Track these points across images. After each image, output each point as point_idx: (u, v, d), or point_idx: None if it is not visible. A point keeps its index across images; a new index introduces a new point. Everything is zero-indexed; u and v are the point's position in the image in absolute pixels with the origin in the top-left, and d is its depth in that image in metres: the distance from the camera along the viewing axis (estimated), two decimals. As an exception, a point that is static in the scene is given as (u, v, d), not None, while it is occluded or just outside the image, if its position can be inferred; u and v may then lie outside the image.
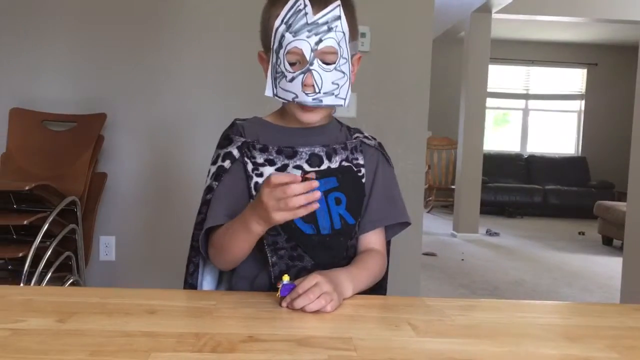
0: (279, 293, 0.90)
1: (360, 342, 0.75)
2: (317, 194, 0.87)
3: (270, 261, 1.07)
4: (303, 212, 0.89)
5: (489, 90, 6.24)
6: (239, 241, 1.01)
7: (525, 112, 9.20)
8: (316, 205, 0.89)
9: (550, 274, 4.49)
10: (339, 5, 1.00)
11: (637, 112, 2.75)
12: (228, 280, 1.20)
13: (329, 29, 1.00)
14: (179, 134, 2.87)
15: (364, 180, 1.15)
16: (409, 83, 2.92)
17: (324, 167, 1.11)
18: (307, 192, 0.86)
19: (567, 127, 9.22)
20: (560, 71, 9.03)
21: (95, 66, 2.82)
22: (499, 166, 8.40)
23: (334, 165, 1.12)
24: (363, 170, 1.15)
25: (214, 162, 1.13)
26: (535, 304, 1.10)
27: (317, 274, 0.93)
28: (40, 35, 2.80)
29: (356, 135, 1.20)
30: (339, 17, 1.00)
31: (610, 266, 4.76)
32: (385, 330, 0.82)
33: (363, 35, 2.84)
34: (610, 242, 5.91)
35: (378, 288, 1.16)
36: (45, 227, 2.18)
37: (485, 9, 5.94)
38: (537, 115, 9.19)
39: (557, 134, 9.20)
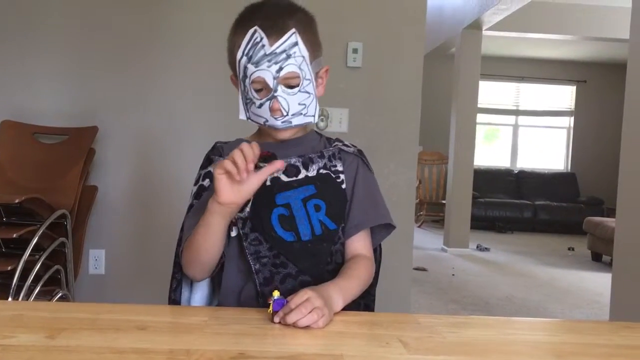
0: (270, 309, 0.90)
1: (351, 359, 0.75)
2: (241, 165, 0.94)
3: (253, 269, 1.08)
4: (233, 169, 0.94)
5: (479, 106, 6.30)
6: (200, 228, 1.03)
7: (515, 127, 9.27)
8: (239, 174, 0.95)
9: (540, 290, 4.50)
10: (295, 32, 1.03)
11: (626, 129, 2.78)
12: (217, 297, 1.20)
13: (288, 56, 1.03)
14: (170, 148, 2.87)
15: (343, 187, 1.16)
16: (401, 98, 2.95)
17: (301, 176, 1.13)
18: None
19: (557, 143, 9.30)
20: (550, 88, 9.12)
21: (87, 79, 2.83)
22: (490, 181, 8.44)
23: (312, 173, 1.14)
24: (342, 176, 1.17)
25: (195, 183, 1.17)
26: (526, 321, 1.11)
27: (308, 289, 0.94)
28: (32, 48, 2.80)
29: (335, 143, 1.22)
30: (296, 44, 1.04)
31: (600, 282, 4.79)
32: (376, 347, 0.82)
33: (355, 51, 2.86)
34: (600, 257, 5.93)
35: (366, 294, 1.16)
36: (35, 240, 2.16)
37: (476, 26, 6.01)
38: (527, 131, 9.27)
39: (546, 149, 9.28)
